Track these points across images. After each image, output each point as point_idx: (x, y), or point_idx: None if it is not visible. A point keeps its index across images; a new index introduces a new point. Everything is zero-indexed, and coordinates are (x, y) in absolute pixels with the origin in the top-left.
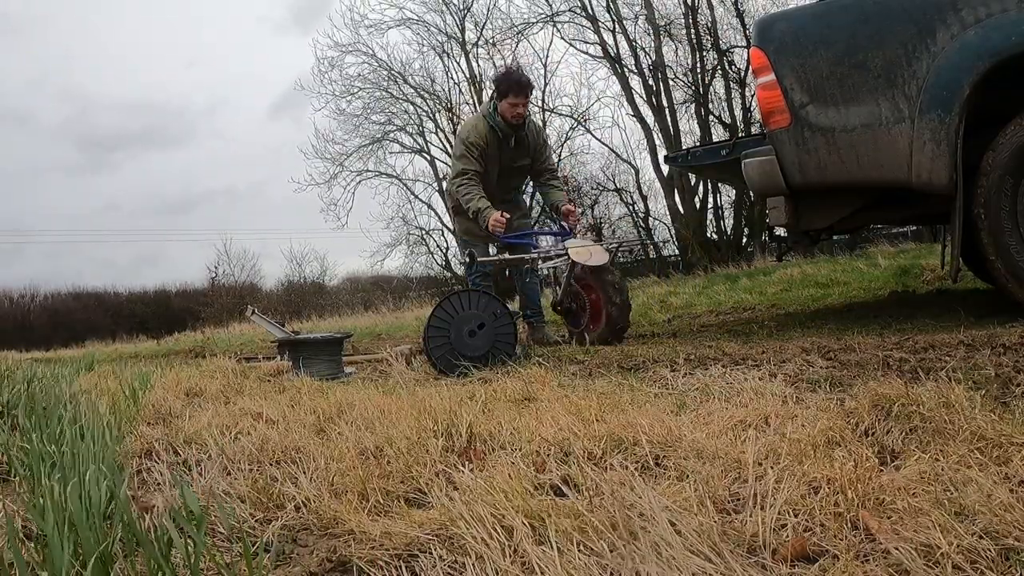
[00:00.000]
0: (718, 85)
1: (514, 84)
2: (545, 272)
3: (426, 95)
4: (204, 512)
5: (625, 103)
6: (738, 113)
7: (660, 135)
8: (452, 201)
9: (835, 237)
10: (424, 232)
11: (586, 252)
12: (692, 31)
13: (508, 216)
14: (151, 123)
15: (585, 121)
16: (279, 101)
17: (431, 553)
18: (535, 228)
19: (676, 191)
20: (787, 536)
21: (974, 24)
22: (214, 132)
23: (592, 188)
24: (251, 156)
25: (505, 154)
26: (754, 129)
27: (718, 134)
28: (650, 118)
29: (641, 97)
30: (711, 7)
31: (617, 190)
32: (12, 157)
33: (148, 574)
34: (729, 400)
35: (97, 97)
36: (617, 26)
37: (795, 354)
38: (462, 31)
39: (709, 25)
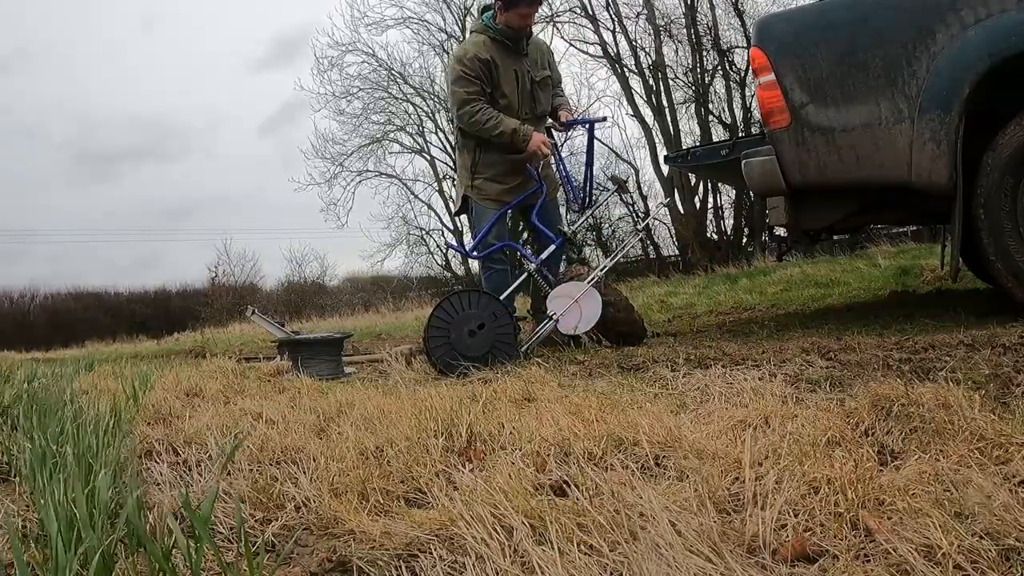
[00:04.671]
0: (718, 85)
1: None
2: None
3: (426, 95)
4: (209, 512)
5: (625, 103)
6: (738, 113)
7: (660, 135)
8: (464, 155)
9: (835, 237)
10: (424, 232)
11: (575, 308)
12: (692, 31)
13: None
14: (151, 139)
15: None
16: (276, 115)
17: (431, 553)
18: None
19: (676, 191)
20: (787, 536)
21: (974, 24)
22: (211, 147)
23: (592, 188)
24: (249, 166)
25: (521, 66)
26: (754, 129)
27: (718, 134)
28: (650, 118)
29: (641, 97)
30: (711, 7)
31: (617, 190)
32: (21, 170)
33: (149, 574)
34: (729, 400)
35: (100, 114)
36: (617, 26)
37: (795, 354)
38: (462, 30)
39: (709, 25)
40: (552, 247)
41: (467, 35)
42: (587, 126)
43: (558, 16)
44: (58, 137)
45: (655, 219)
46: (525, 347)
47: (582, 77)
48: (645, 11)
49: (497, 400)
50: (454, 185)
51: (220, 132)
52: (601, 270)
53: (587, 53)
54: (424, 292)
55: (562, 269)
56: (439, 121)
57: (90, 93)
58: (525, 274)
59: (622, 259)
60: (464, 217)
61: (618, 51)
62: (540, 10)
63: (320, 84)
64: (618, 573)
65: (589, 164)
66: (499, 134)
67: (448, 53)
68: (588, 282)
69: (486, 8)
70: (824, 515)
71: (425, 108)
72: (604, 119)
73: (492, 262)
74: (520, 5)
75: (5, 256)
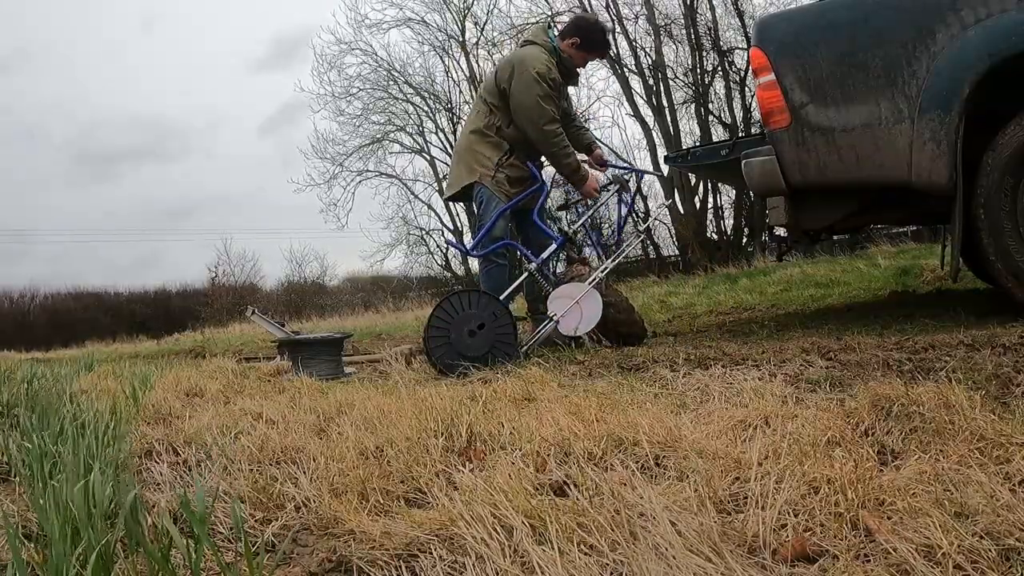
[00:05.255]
0: (718, 85)
1: (605, 45)
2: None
3: (426, 95)
4: (207, 512)
5: (625, 103)
6: (738, 113)
7: (660, 135)
8: (494, 153)
9: (835, 237)
10: (424, 232)
11: (576, 309)
12: (692, 31)
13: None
14: (151, 139)
15: (585, 121)
16: (276, 115)
17: (431, 553)
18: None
19: (676, 191)
20: (787, 536)
21: (974, 24)
22: (211, 148)
23: (621, 233)
24: (249, 167)
25: (563, 97)
26: (754, 129)
27: (718, 134)
28: (650, 118)
29: (641, 97)
30: (711, 7)
31: (619, 190)
32: (21, 170)
33: (148, 574)
34: (729, 400)
35: (100, 114)
36: (617, 26)
37: (795, 354)
38: (462, 31)
39: (709, 25)
40: (553, 246)
41: (526, 46)
42: (630, 175)
43: (558, 16)
44: (58, 137)
45: (655, 219)
46: (525, 347)
47: (582, 77)
48: (645, 11)
49: (497, 400)
50: (450, 171)
51: (220, 132)
52: (602, 271)
53: None
54: (424, 292)
55: (561, 269)
56: (439, 121)
57: (90, 93)
58: (526, 273)
59: (621, 258)
60: (464, 215)
61: (618, 51)
62: (539, 7)
63: (320, 84)
64: (618, 573)
65: (630, 212)
66: (567, 164)
67: (448, 53)
68: (589, 283)
69: (549, 26)
70: (824, 515)
71: (425, 108)
72: (659, 173)
73: (495, 256)
74: (594, 52)
75: (5, 256)
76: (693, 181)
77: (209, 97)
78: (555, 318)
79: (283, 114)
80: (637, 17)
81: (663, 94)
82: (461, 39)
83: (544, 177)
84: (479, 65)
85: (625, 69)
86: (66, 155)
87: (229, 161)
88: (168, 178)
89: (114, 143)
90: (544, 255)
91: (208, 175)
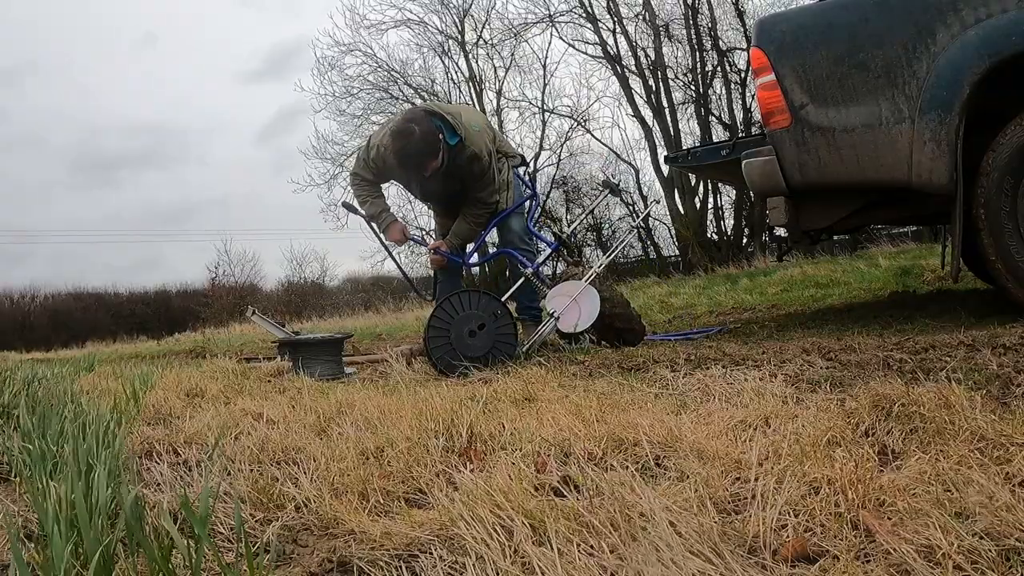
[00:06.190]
0: (718, 85)
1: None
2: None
3: (426, 96)
4: (208, 513)
5: (625, 103)
6: (738, 113)
7: (660, 136)
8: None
9: (835, 237)
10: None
11: (574, 306)
12: (692, 31)
13: None
14: (152, 145)
15: (585, 121)
16: (275, 122)
17: (431, 553)
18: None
19: (676, 191)
20: (787, 536)
21: (974, 24)
22: (211, 154)
23: (592, 188)
24: (249, 170)
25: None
26: (754, 129)
27: (718, 134)
28: (650, 118)
29: (641, 97)
30: (711, 7)
31: (609, 193)
32: (26, 174)
33: (149, 574)
34: (729, 400)
35: (103, 122)
36: (617, 26)
37: (795, 354)
38: (461, 32)
39: (709, 25)
40: (548, 250)
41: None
42: (618, 179)
43: (558, 16)
44: (61, 143)
45: (655, 219)
46: (526, 347)
47: (582, 77)
48: (645, 12)
49: (497, 400)
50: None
51: (220, 138)
52: (599, 266)
53: (587, 53)
54: (424, 292)
55: (561, 269)
56: None
57: (92, 101)
58: (522, 279)
59: (622, 259)
60: None
61: (618, 51)
62: (537, 8)
63: (320, 84)
64: (618, 574)
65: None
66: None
67: (447, 54)
68: (585, 280)
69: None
70: (824, 515)
71: None
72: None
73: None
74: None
75: (7, 257)
76: (693, 181)
77: (210, 105)
78: (555, 315)
79: (281, 120)
80: (637, 17)
81: (663, 94)
82: (460, 39)
83: (536, 188)
84: (478, 66)
85: (625, 69)
86: (69, 160)
87: (228, 167)
88: (168, 183)
89: (116, 149)
90: (539, 260)
91: (207, 180)
